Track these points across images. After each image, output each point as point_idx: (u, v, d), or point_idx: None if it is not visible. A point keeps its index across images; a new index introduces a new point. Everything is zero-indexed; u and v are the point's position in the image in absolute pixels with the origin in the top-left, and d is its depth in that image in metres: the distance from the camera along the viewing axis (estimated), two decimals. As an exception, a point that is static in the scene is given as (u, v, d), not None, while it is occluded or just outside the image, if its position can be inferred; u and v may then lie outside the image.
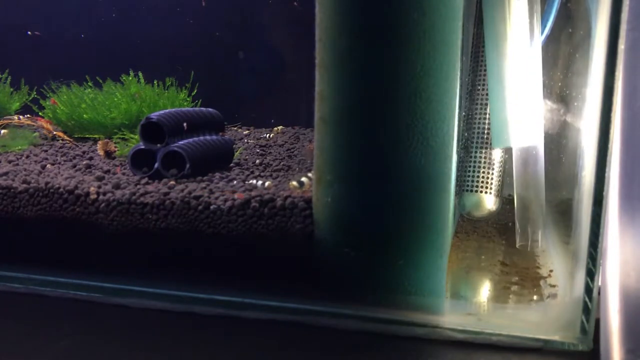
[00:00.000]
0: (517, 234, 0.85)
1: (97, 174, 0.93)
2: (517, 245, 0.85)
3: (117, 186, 0.85)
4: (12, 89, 1.47)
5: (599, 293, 0.65)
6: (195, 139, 1.00)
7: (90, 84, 1.41)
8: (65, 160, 1.09)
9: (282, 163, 1.10)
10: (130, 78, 1.39)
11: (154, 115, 0.96)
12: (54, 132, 1.35)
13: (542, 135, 0.83)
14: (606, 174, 0.64)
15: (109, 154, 1.13)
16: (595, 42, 0.66)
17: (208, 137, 1.03)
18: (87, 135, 1.36)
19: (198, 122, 1.05)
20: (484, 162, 0.90)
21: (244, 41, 1.55)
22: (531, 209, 0.84)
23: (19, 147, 1.21)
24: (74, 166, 1.02)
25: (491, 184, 0.90)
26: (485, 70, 0.87)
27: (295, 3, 1.46)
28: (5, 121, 1.37)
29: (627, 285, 0.62)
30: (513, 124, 0.80)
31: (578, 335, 0.69)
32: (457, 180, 0.87)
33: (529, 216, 0.84)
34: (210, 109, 1.11)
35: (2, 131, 1.23)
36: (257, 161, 1.12)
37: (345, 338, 0.72)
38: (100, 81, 1.41)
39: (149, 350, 0.69)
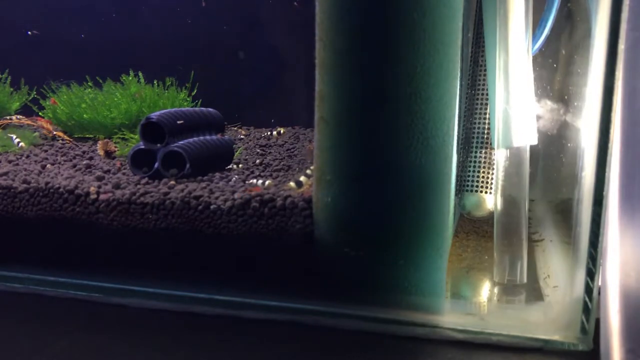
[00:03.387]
0: (495, 265, 0.81)
1: (97, 173, 0.93)
2: (495, 279, 0.80)
3: (117, 186, 0.85)
4: (12, 89, 1.47)
5: (599, 293, 0.65)
6: (196, 139, 1.00)
7: (90, 84, 1.41)
8: (65, 160, 1.09)
9: (282, 163, 1.10)
10: (130, 78, 1.39)
11: (154, 115, 0.96)
12: (54, 132, 1.35)
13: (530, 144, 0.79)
14: (606, 174, 0.64)
15: (109, 154, 1.13)
16: (595, 42, 0.66)
17: (208, 137, 1.03)
18: (87, 135, 1.36)
19: (198, 122, 1.05)
20: (484, 162, 0.90)
21: (244, 41, 1.55)
22: (511, 233, 0.78)
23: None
24: (74, 166, 1.02)
25: (491, 184, 0.90)
26: (485, 70, 0.87)
27: (295, 3, 1.46)
28: (5, 121, 1.37)
29: (627, 285, 0.61)
30: (513, 124, 0.80)
31: (578, 335, 0.69)
32: (457, 180, 0.87)
33: (508, 243, 0.78)
34: (210, 109, 1.11)
35: (16, 139, 1.23)
36: (257, 161, 1.12)
37: (345, 338, 0.72)
38: (100, 81, 1.42)
39: (149, 350, 0.69)
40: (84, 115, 1.32)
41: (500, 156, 0.80)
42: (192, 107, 1.38)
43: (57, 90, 1.40)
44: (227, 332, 0.73)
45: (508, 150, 0.79)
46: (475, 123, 0.90)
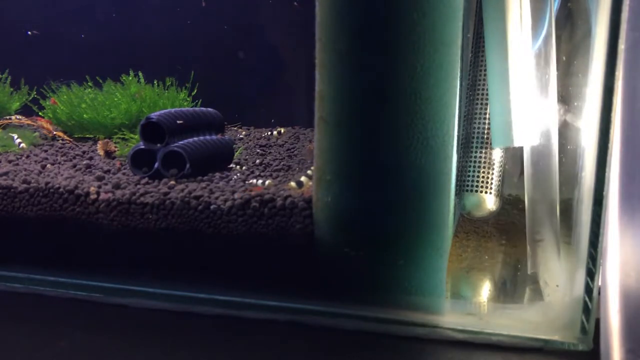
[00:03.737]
0: (529, 257, 0.81)
1: (97, 174, 0.93)
2: (529, 272, 0.81)
3: (117, 186, 0.85)
4: (12, 89, 1.47)
5: (599, 293, 0.65)
6: (196, 139, 1.00)
7: (90, 84, 1.41)
8: (65, 160, 1.09)
9: (282, 163, 1.10)
10: (130, 78, 1.39)
11: (154, 115, 0.96)
12: (54, 132, 1.35)
13: (556, 140, 0.79)
14: (606, 174, 0.64)
15: (109, 154, 1.13)
16: (595, 42, 0.66)
17: (208, 137, 1.03)
18: (87, 135, 1.36)
19: (198, 122, 1.05)
20: (484, 162, 0.90)
21: (244, 41, 1.55)
22: (544, 228, 0.78)
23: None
24: (74, 166, 1.02)
25: (491, 184, 0.90)
26: (485, 70, 0.87)
27: (295, 3, 1.46)
28: (5, 121, 1.37)
29: (627, 285, 0.62)
30: (513, 124, 0.80)
31: (578, 335, 0.69)
32: (457, 180, 0.87)
33: (540, 238, 0.79)
34: (210, 109, 1.11)
35: (17, 139, 1.23)
36: (257, 161, 1.12)
37: (345, 338, 0.72)
38: (100, 81, 1.41)
39: (149, 350, 0.69)
40: (84, 115, 1.32)
41: (527, 152, 0.80)
42: (192, 107, 1.37)
43: (57, 90, 1.40)
44: (227, 332, 0.73)
45: (536, 146, 0.79)
46: (475, 123, 0.90)
